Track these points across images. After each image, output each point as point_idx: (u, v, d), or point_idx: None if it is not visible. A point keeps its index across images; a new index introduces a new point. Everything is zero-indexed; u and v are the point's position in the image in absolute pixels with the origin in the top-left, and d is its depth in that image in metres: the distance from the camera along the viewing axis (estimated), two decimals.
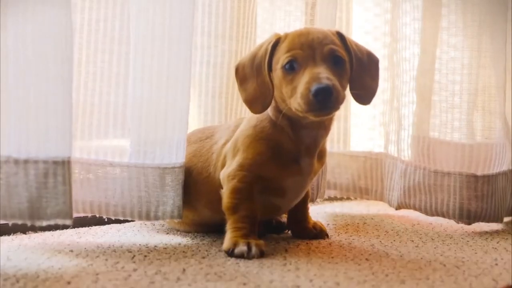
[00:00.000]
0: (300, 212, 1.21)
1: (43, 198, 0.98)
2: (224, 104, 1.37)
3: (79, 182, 1.11)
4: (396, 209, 1.44)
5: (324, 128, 1.10)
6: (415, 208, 1.40)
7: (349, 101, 1.62)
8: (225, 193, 1.08)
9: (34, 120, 0.98)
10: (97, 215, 1.14)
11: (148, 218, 1.13)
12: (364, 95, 1.10)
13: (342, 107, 1.57)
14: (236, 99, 1.38)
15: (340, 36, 1.08)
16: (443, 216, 1.36)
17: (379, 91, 1.53)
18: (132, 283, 0.85)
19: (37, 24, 0.98)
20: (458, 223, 1.36)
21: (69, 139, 1.01)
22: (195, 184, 1.16)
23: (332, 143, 1.58)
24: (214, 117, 1.37)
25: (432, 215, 1.38)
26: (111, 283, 0.85)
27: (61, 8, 0.99)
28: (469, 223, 1.35)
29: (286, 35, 1.06)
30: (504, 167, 1.37)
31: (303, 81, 0.99)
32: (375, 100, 1.57)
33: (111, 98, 1.15)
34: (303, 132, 1.08)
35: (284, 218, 1.26)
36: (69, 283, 0.85)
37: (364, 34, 1.64)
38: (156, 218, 1.13)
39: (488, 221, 1.35)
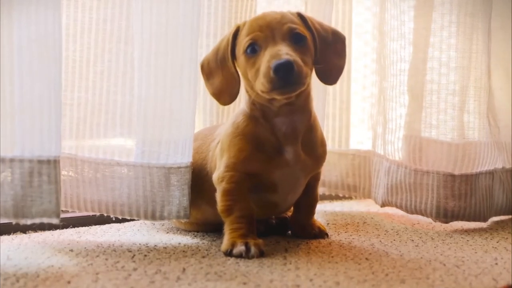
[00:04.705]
0: (303, 214, 1.19)
1: (28, 197, 0.98)
2: (216, 103, 1.36)
3: (87, 181, 1.12)
4: (381, 206, 1.45)
5: (299, 112, 1.08)
6: (396, 206, 1.41)
7: (348, 101, 1.63)
8: (217, 196, 1.08)
9: (20, 119, 0.98)
10: (105, 214, 1.14)
11: (153, 218, 1.13)
12: (330, 73, 1.10)
13: (339, 106, 1.61)
14: None
15: (301, 16, 1.08)
16: (422, 214, 1.36)
17: (372, 89, 1.54)
18: (132, 283, 0.85)
19: (23, 23, 0.97)
20: (435, 221, 1.36)
21: (55, 138, 1.00)
22: (197, 180, 1.16)
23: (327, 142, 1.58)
24: (205, 116, 1.37)
25: (412, 213, 1.38)
26: (111, 282, 0.85)
27: (48, 9, 0.98)
28: (447, 222, 1.34)
29: (245, 23, 1.07)
30: (489, 167, 1.37)
31: (264, 60, 0.99)
32: (369, 99, 1.59)
33: (118, 97, 1.15)
34: (278, 120, 1.07)
35: (289, 213, 1.25)
36: (69, 282, 0.85)
37: (363, 34, 1.64)
38: (162, 218, 1.13)
39: (469, 220, 1.34)
